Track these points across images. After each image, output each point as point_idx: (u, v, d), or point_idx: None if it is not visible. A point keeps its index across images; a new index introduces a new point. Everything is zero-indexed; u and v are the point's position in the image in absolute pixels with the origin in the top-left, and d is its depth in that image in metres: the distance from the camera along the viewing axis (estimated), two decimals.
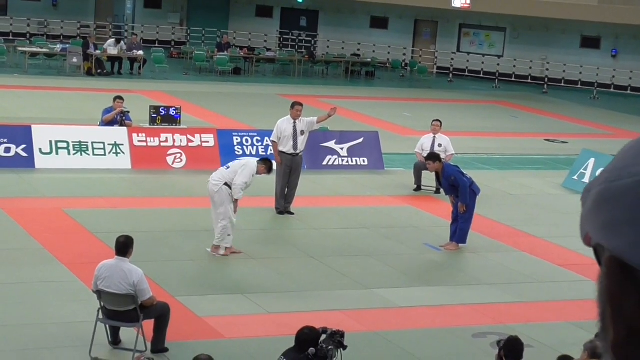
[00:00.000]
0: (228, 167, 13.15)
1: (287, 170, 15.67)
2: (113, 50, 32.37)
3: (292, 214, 15.80)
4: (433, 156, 14.73)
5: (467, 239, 14.26)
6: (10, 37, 38.21)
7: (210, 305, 11.09)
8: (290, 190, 15.88)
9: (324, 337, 7.51)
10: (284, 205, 15.76)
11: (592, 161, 19.75)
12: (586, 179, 19.59)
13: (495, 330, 10.94)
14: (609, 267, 1.03)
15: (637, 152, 1.02)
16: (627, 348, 1.00)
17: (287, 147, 15.67)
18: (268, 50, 40.12)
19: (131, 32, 39.14)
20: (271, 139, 16.00)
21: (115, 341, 9.64)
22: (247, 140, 19.09)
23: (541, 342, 10.58)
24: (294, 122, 15.70)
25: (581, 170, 19.84)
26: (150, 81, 31.46)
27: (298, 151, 15.73)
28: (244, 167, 12.94)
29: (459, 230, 14.22)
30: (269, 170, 13.41)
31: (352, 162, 19.87)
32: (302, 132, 15.74)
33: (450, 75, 40.51)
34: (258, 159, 13.58)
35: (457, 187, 14.12)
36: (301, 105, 15.99)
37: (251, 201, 16.03)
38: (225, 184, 12.85)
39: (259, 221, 15.41)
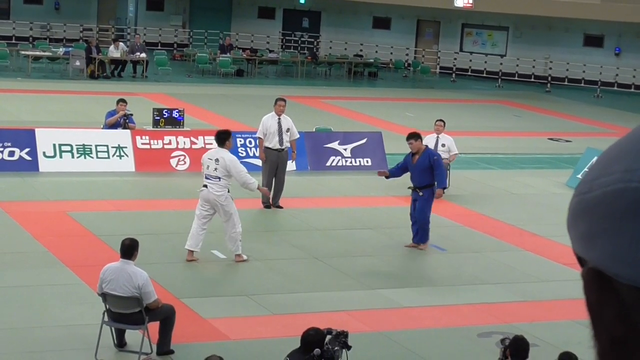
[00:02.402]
0: (218, 178, 12.67)
1: (273, 166, 15.88)
2: (115, 53, 32.39)
3: (281, 207, 15.95)
4: (415, 135, 14.46)
5: (429, 235, 14.21)
6: (13, 41, 38.24)
7: (215, 307, 11.10)
8: (279, 185, 16.06)
9: (329, 338, 7.51)
10: (269, 198, 15.92)
11: (596, 160, 19.69)
12: None
13: (500, 329, 10.93)
14: (587, 279, 1.04)
15: (606, 162, 1.02)
16: (612, 357, 1.01)
17: (272, 143, 15.83)
18: (270, 51, 40.14)
19: (134, 35, 39.16)
20: (257, 135, 16.13)
21: (120, 343, 9.65)
22: (250, 142, 19.10)
23: (546, 341, 10.58)
24: (279, 118, 15.86)
25: (585, 169, 19.74)
26: (153, 83, 31.49)
27: (283, 147, 15.94)
28: (232, 162, 12.79)
29: (421, 230, 14.11)
30: (219, 141, 13.06)
31: (355, 162, 19.87)
32: (288, 130, 15.87)
33: (453, 75, 40.50)
34: (224, 149, 13.07)
35: (432, 169, 13.95)
36: (284, 100, 16.18)
37: (254, 203, 16.06)
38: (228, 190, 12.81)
39: (263, 223, 15.42)
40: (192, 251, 12.72)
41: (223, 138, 12.94)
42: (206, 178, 12.76)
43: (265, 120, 16.01)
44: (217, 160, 12.71)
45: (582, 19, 37.55)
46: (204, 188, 12.76)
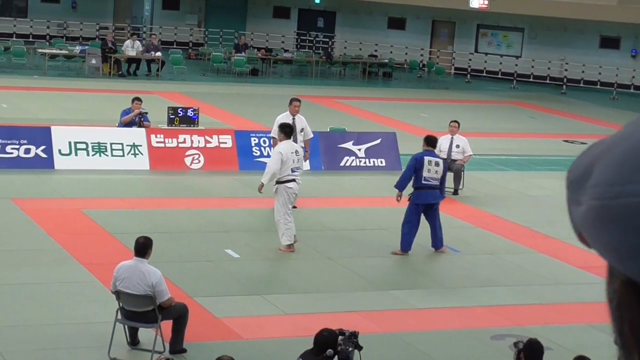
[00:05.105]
0: (299, 169, 13.57)
1: None
2: (131, 52, 32.47)
3: (295, 207, 15.94)
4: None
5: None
6: (30, 39, 38.38)
7: (228, 306, 11.11)
8: None
9: (341, 338, 7.51)
10: None
11: (604, 152, 19.60)
12: None
13: (514, 332, 10.90)
14: (623, 293, 0.96)
15: (633, 167, 0.93)
16: None
17: None
18: (285, 51, 40.15)
19: (149, 34, 39.25)
20: (271, 134, 16.11)
21: (133, 342, 9.67)
22: (264, 141, 19.10)
23: (560, 345, 10.54)
24: (293, 118, 15.87)
25: None
26: (168, 82, 31.55)
27: None
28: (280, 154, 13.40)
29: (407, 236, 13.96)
30: (288, 134, 13.66)
31: (369, 163, 19.86)
32: (302, 130, 15.88)
33: (468, 75, 40.41)
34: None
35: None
36: (299, 101, 16.18)
37: (268, 202, 16.06)
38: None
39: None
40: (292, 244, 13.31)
41: (290, 133, 13.74)
42: (292, 172, 13.30)
43: (280, 120, 16.01)
44: (296, 152, 13.48)
45: (598, 20, 37.40)
46: (293, 182, 13.29)
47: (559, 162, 22.87)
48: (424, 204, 13.78)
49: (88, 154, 17.98)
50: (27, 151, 17.61)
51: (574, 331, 11.31)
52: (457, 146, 18.23)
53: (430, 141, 14.22)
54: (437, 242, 14.03)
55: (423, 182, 13.71)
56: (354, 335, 7.49)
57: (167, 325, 9.49)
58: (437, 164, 13.79)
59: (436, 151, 18.29)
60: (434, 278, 13.08)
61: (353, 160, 19.75)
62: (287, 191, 13.30)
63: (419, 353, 10.24)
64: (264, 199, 16.17)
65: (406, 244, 13.75)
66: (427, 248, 14.29)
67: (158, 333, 9.37)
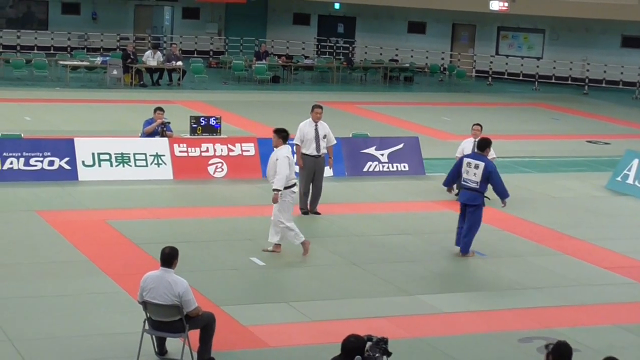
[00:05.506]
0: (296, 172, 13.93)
1: (310, 172, 15.91)
2: (152, 62, 32.61)
3: (319, 214, 15.99)
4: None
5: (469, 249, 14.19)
6: (52, 51, 38.63)
7: (255, 314, 11.11)
8: (317, 191, 16.10)
9: (369, 344, 7.48)
10: (307, 205, 16.03)
11: (635, 162, 19.54)
12: (630, 180, 19.39)
13: (541, 334, 10.85)
14: None
15: None
16: None
17: (310, 150, 15.88)
18: (306, 57, 40.21)
19: (170, 43, 39.39)
20: (294, 142, 16.14)
21: (161, 352, 9.69)
22: None
23: (588, 346, 10.47)
24: (315, 125, 15.91)
25: (625, 172, 19.63)
26: (190, 91, 31.66)
27: (320, 153, 15.99)
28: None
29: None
30: (285, 139, 13.67)
31: (392, 167, 19.84)
32: (325, 136, 15.91)
33: (489, 78, 40.31)
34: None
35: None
36: (321, 107, 16.20)
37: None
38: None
39: (301, 229, 15.42)
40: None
41: (287, 137, 13.78)
42: (295, 176, 13.78)
43: (302, 127, 16.05)
44: (476, 165, 13.85)
45: (619, 20, 37.21)
46: (295, 186, 13.71)
47: (583, 163, 22.76)
48: (461, 202, 14.20)
49: (111, 165, 18.06)
50: (51, 163, 17.71)
51: (602, 332, 11.23)
52: None
53: (479, 144, 14.28)
54: (460, 244, 14.08)
55: (462, 182, 14.14)
56: (382, 341, 7.46)
57: (194, 335, 9.50)
58: (476, 167, 13.86)
59: (459, 154, 18.35)
60: (460, 282, 13.04)
61: (376, 165, 19.74)
62: (291, 195, 13.51)
63: (446, 357, 10.21)
64: None
65: (456, 240, 14.28)
66: (452, 252, 14.25)
67: (186, 342, 9.39)
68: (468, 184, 13.99)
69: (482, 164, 13.88)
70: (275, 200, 13.36)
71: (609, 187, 19.67)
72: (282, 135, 13.65)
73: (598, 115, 31.78)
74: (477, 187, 13.88)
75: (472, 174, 13.89)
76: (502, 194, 14.04)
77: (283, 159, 13.35)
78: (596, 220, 17.01)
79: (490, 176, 13.85)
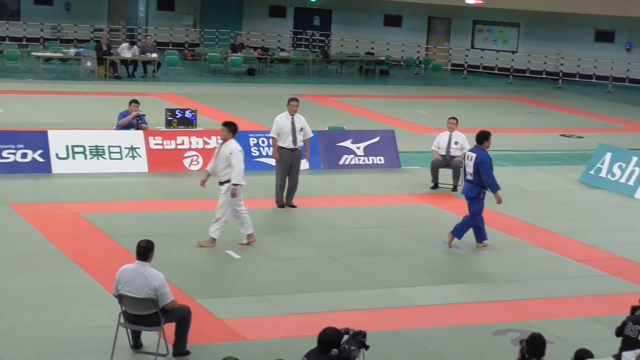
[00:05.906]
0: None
1: (286, 166, 15.92)
2: (127, 54, 32.44)
3: (295, 207, 15.99)
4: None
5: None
6: (24, 42, 38.32)
7: (231, 307, 11.10)
8: (293, 184, 16.09)
9: (346, 337, 7.50)
10: (283, 198, 16.03)
11: (608, 156, 19.68)
12: (603, 174, 19.52)
13: (516, 327, 10.91)
14: None
15: None
16: None
17: (286, 143, 15.88)
18: (282, 50, 40.14)
19: (144, 35, 39.20)
20: (270, 134, 16.14)
21: (136, 345, 9.65)
22: (263, 141, 19.10)
23: (562, 338, 10.54)
24: (292, 118, 15.90)
25: (598, 165, 19.76)
26: (165, 84, 31.53)
27: (297, 146, 15.97)
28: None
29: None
30: (234, 132, 13.58)
31: (368, 161, 19.86)
32: (301, 129, 15.91)
33: (465, 71, 40.44)
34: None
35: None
36: (297, 100, 16.18)
37: (268, 202, 16.07)
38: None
39: (276, 222, 15.42)
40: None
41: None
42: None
43: (279, 120, 16.03)
44: (471, 157, 14.02)
45: (593, 14, 37.44)
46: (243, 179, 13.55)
47: (557, 157, 22.89)
48: (464, 195, 14.41)
49: (86, 158, 17.96)
50: (24, 156, 17.59)
51: (575, 324, 11.31)
52: (456, 143, 18.27)
53: (476, 137, 14.35)
54: (456, 231, 14.20)
55: (464, 175, 14.48)
56: (360, 334, 7.48)
57: (170, 328, 9.48)
58: (470, 159, 14.01)
59: (434, 148, 18.41)
60: (437, 275, 13.08)
61: (352, 158, 19.76)
62: (242, 189, 13.52)
63: (422, 350, 10.24)
64: (263, 199, 16.19)
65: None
66: (428, 245, 14.30)
67: (161, 336, 9.36)
68: (467, 176, 14.22)
69: (474, 156, 13.98)
70: (234, 195, 13.33)
71: (583, 180, 19.80)
72: (232, 128, 13.61)
73: (572, 109, 31.96)
74: (472, 178, 13.99)
75: (469, 166, 14.02)
76: (490, 185, 14.06)
77: (237, 153, 13.35)
78: (570, 214, 17.11)
79: (480, 167, 13.91)
